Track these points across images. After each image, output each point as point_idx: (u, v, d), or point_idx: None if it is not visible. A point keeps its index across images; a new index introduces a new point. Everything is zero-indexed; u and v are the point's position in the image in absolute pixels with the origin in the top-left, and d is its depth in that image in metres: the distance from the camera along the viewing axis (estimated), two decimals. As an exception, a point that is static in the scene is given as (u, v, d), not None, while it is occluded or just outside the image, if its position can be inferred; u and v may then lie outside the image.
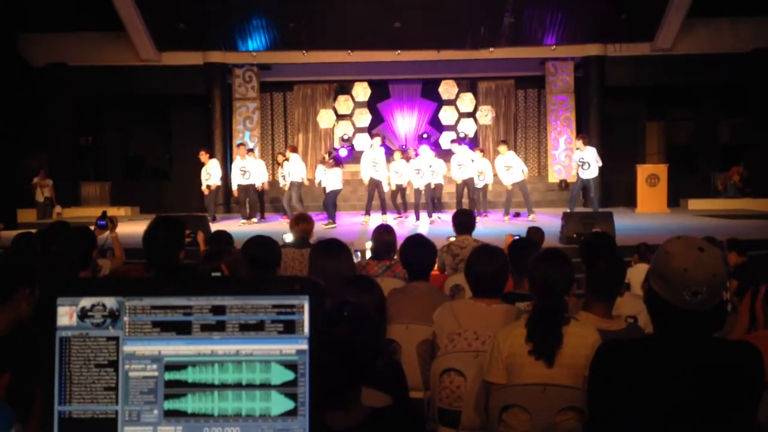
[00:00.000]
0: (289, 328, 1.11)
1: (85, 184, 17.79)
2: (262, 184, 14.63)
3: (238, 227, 12.92)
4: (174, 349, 1.11)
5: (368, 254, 6.16)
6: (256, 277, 1.28)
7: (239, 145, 15.26)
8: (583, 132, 17.38)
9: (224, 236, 5.53)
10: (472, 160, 13.84)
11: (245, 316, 1.11)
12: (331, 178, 13.56)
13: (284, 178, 14.35)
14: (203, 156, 14.56)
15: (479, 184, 14.23)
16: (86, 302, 1.11)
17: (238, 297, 1.11)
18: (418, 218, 13.82)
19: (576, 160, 13.68)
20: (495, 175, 14.45)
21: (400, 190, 14.13)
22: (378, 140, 14.16)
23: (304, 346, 1.11)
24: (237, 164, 14.58)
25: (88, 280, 1.15)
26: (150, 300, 1.11)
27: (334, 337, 1.77)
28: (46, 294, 1.13)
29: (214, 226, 10.33)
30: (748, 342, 2.00)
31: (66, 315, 1.11)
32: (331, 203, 13.52)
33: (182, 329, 1.11)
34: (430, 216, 13.88)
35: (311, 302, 1.11)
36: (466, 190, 14.04)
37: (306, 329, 1.11)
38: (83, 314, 1.11)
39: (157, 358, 1.12)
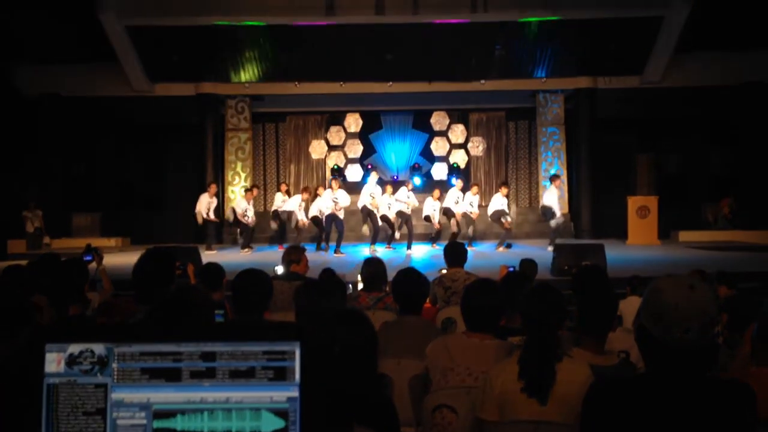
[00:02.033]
0: (280, 375, 1.09)
1: (76, 215, 17.72)
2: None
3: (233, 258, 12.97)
4: (163, 397, 1.10)
5: (360, 286, 6.14)
6: (246, 322, 1.25)
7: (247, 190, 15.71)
8: (573, 164, 17.62)
9: (215, 268, 5.46)
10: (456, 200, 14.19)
11: (235, 362, 1.09)
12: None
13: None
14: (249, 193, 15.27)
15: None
16: (75, 348, 1.10)
17: (228, 343, 1.10)
18: (409, 247, 14.12)
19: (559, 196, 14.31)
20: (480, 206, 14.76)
21: (387, 221, 14.28)
22: (375, 175, 14.57)
23: (295, 394, 1.09)
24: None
25: (76, 327, 1.14)
26: (139, 346, 1.10)
27: (324, 377, 1.76)
28: (33, 340, 1.11)
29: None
30: (740, 381, 2.00)
31: (54, 362, 1.10)
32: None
33: (172, 376, 1.10)
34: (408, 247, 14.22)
35: (302, 348, 1.10)
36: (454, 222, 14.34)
37: (297, 376, 1.09)
38: (72, 361, 1.10)
39: (146, 405, 1.10)
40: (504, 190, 14.57)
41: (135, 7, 15.25)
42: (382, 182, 15.54)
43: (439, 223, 14.48)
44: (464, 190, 14.63)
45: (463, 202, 14.31)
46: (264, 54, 16.63)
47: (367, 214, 14.19)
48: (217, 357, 1.12)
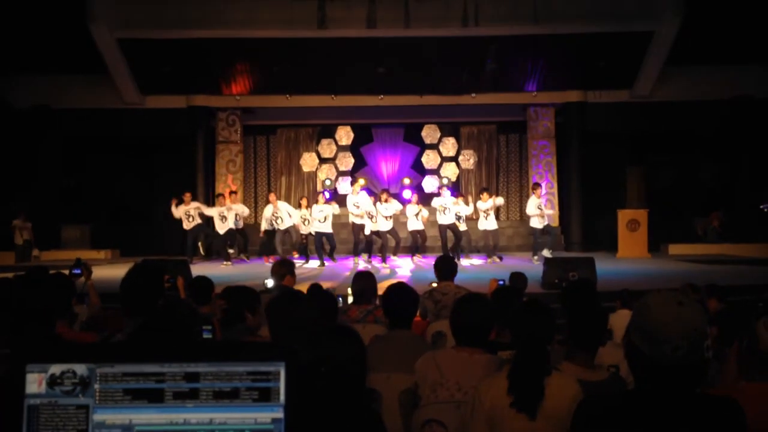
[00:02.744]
0: (265, 396, 1.08)
1: (65, 227, 17.64)
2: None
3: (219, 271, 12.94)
4: (146, 418, 1.08)
5: (350, 299, 6.12)
6: (230, 342, 1.24)
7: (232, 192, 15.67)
8: (563, 177, 17.70)
9: (204, 282, 5.45)
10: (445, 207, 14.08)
11: (219, 383, 1.08)
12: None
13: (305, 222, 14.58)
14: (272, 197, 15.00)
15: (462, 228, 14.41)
16: (56, 369, 1.08)
17: (212, 364, 1.08)
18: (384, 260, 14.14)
19: (538, 206, 14.33)
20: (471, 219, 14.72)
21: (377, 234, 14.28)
22: (356, 186, 14.57)
23: (280, 415, 1.08)
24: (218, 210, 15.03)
25: (58, 346, 1.12)
26: (122, 367, 1.09)
27: (310, 397, 1.75)
28: (14, 359, 1.10)
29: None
30: (729, 397, 1.99)
31: (35, 382, 1.08)
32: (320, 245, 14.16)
33: (154, 397, 1.08)
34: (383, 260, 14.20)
35: (287, 369, 1.08)
36: (449, 234, 14.28)
37: (282, 397, 1.08)
38: (53, 381, 1.08)
39: (128, 427, 1.08)
40: (485, 197, 14.48)
41: (126, 20, 15.26)
42: (371, 192, 15.59)
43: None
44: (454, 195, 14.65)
45: (449, 212, 14.21)
46: (255, 67, 16.64)
47: (359, 229, 14.21)
48: (200, 377, 1.10)
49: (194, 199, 15.65)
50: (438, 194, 15.05)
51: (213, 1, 15.22)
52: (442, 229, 14.31)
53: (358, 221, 14.09)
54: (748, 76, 16.68)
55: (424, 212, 14.33)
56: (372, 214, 14.04)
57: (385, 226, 14.04)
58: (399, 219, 14.88)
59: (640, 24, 15.39)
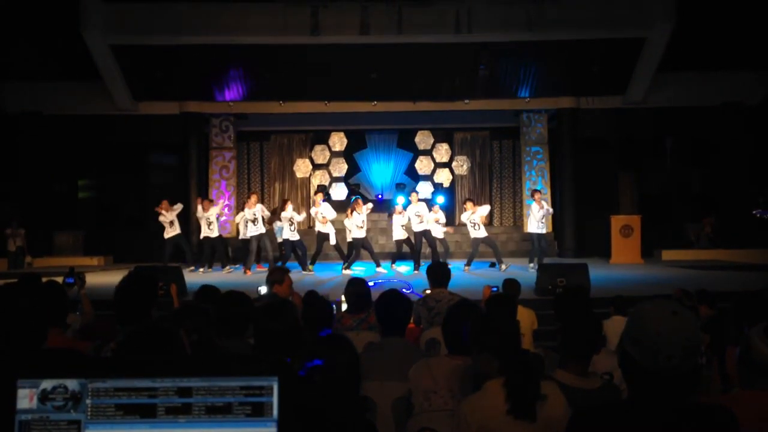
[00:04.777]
0: (258, 411, 1.07)
1: (58, 233, 17.58)
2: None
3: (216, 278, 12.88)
4: (138, 434, 1.08)
5: (344, 306, 6.09)
6: (223, 357, 1.23)
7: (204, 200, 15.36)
8: (556, 183, 17.71)
9: (211, 291, 5.30)
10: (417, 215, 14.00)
11: (212, 398, 1.07)
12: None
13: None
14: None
15: (438, 234, 14.29)
16: (47, 384, 1.07)
17: (204, 378, 1.08)
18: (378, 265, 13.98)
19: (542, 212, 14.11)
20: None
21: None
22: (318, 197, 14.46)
23: (273, 430, 1.07)
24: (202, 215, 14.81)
25: (49, 361, 1.11)
26: (114, 382, 1.08)
27: (302, 412, 1.73)
28: (5, 375, 1.08)
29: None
30: (722, 406, 1.99)
31: (26, 398, 1.07)
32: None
33: (147, 412, 1.08)
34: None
35: (281, 384, 1.08)
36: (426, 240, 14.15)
37: (275, 412, 1.07)
38: (44, 397, 1.07)
39: (120, 442, 1.08)
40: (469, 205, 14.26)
41: (119, 26, 15.24)
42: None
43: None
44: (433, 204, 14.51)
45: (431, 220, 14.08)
46: (248, 73, 16.63)
47: (323, 238, 14.09)
48: (193, 392, 1.09)
49: (185, 205, 15.58)
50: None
51: (206, 7, 15.22)
52: (426, 235, 14.23)
53: (323, 230, 13.97)
54: (739, 82, 16.78)
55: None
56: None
57: (358, 234, 13.79)
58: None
59: (632, 31, 15.45)
